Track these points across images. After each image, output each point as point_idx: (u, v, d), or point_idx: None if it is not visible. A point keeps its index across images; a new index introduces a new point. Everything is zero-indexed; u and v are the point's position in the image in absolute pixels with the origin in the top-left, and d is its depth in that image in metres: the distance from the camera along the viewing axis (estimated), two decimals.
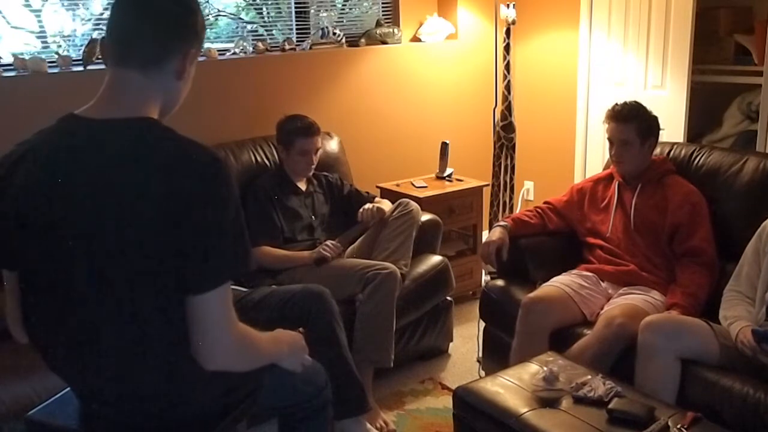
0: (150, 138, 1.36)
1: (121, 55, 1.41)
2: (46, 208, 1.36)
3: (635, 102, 2.76)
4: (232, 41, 3.59)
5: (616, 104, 2.76)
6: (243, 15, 3.79)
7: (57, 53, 3.04)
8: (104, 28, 1.47)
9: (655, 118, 2.75)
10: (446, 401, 2.84)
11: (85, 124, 1.38)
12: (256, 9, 3.84)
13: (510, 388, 2.15)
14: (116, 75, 1.42)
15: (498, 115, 3.98)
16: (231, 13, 3.72)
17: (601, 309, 2.60)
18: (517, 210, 4.19)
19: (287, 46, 3.64)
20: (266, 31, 3.77)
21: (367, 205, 3.07)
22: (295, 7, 3.76)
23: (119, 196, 1.31)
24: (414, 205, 3.09)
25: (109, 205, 1.32)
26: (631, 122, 2.69)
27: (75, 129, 1.39)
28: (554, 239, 2.95)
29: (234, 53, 3.52)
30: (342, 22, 4.01)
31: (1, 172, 1.41)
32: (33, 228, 1.37)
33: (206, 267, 1.34)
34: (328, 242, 2.93)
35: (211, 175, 1.34)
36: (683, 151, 2.91)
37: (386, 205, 3.14)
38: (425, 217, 3.22)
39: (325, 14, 3.83)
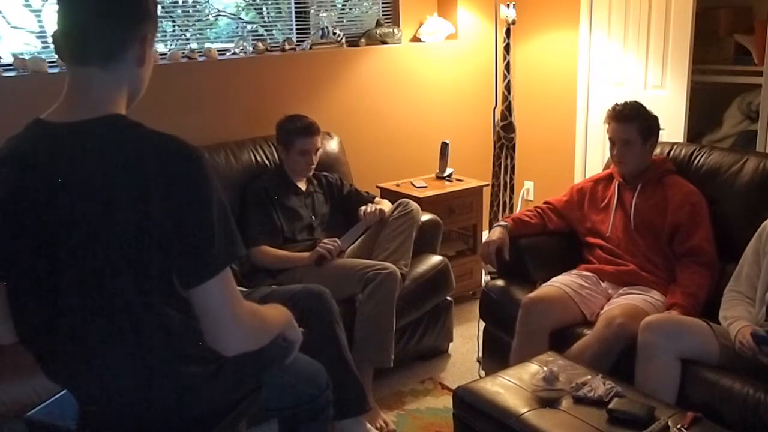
0: (122, 135, 1.34)
1: (78, 53, 1.37)
2: (28, 216, 1.34)
3: (636, 102, 2.76)
4: (232, 41, 3.59)
5: (617, 104, 2.76)
6: (243, 15, 3.79)
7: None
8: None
9: (656, 118, 2.76)
10: (446, 401, 2.84)
11: (53, 128, 1.36)
12: (256, 9, 3.84)
13: (510, 388, 2.15)
14: (77, 74, 1.38)
15: (498, 115, 3.98)
16: (231, 13, 3.73)
17: (601, 309, 2.60)
18: (517, 210, 4.19)
19: (287, 46, 3.64)
20: (266, 31, 3.77)
21: (370, 207, 3.06)
22: (295, 7, 3.76)
23: (99, 198, 1.30)
24: (414, 205, 3.09)
25: (89, 207, 1.30)
26: (633, 122, 2.70)
27: (46, 134, 1.36)
28: (554, 239, 2.95)
29: (234, 53, 3.52)
30: (342, 22, 4.01)
31: None
32: (17, 236, 1.36)
33: (201, 256, 1.33)
34: (326, 240, 2.92)
35: (188, 165, 1.33)
36: (683, 151, 2.91)
37: (386, 206, 3.15)
38: (425, 217, 3.22)
39: (325, 14, 3.83)
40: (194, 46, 3.51)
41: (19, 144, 1.39)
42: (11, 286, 1.43)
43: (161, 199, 1.29)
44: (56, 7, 1.38)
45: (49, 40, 3.17)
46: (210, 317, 1.37)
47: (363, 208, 3.07)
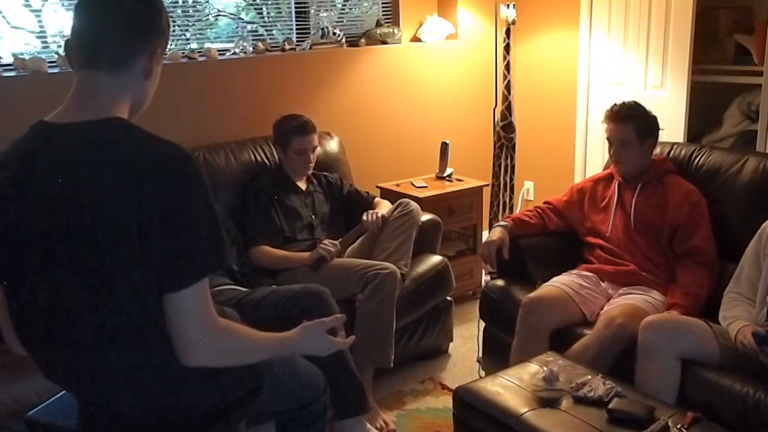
0: (119, 137, 1.36)
1: (88, 57, 1.41)
2: (25, 217, 1.36)
3: (634, 102, 2.76)
4: (232, 41, 3.59)
5: (615, 104, 2.76)
6: (243, 15, 3.79)
7: (57, 53, 3.04)
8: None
9: (654, 118, 2.75)
10: (446, 401, 2.84)
11: (56, 129, 1.38)
12: (256, 9, 3.84)
13: (510, 388, 2.15)
14: (84, 77, 1.41)
15: (498, 115, 3.98)
16: (231, 13, 3.73)
17: (601, 309, 2.60)
18: (517, 210, 4.19)
19: (287, 46, 3.64)
20: (266, 31, 3.77)
21: (371, 216, 3.04)
22: (295, 7, 3.76)
23: (94, 199, 1.31)
24: (414, 205, 3.09)
25: (85, 208, 1.31)
26: (630, 122, 2.70)
27: (47, 135, 1.39)
28: (554, 239, 2.95)
29: (234, 53, 3.52)
30: (342, 22, 4.01)
31: None
32: (14, 237, 1.37)
33: (179, 264, 1.33)
34: (326, 241, 2.92)
35: (180, 172, 1.34)
36: (683, 151, 2.91)
37: (386, 206, 3.14)
38: (425, 217, 3.22)
39: (325, 14, 3.83)
40: (194, 46, 3.51)
41: (21, 146, 1.41)
42: (10, 288, 1.44)
43: (154, 202, 1.29)
44: (73, 13, 1.43)
45: (50, 40, 3.18)
46: (175, 325, 1.35)
47: (365, 215, 3.06)
